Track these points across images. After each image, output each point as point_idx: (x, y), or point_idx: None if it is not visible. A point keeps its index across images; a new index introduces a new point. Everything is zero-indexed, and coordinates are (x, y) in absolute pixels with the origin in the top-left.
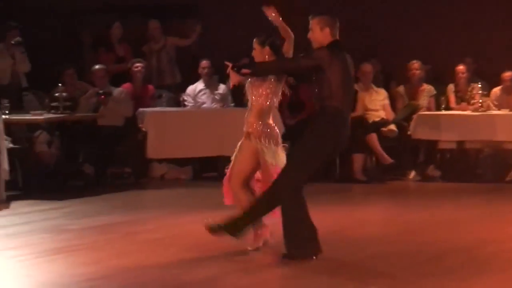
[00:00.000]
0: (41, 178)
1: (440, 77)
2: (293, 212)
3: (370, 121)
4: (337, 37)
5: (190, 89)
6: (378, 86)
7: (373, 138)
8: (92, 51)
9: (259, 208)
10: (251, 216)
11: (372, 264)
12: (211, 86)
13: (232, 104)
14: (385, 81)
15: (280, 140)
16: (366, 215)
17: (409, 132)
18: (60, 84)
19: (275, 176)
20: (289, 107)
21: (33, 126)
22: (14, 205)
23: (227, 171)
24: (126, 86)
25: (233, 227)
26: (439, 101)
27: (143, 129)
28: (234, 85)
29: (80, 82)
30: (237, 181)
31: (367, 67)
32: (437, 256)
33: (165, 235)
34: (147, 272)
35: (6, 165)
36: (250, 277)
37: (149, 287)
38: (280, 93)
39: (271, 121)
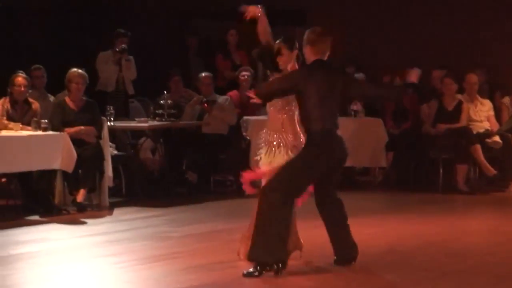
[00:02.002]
0: (145, 185)
1: None
2: (273, 221)
3: (474, 132)
4: (324, 55)
5: None
6: (483, 97)
7: (477, 149)
8: (198, 57)
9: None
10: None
11: (473, 274)
12: None
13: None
14: (490, 91)
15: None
16: (468, 226)
17: None
18: (165, 92)
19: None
20: (393, 116)
21: (137, 133)
22: (117, 211)
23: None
24: (232, 93)
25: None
26: None
27: (247, 137)
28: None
29: (186, 89)
30: None
31: (473, 78)
32: None
33: None
34: (249, 281)
35: (110, 172)
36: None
37: None
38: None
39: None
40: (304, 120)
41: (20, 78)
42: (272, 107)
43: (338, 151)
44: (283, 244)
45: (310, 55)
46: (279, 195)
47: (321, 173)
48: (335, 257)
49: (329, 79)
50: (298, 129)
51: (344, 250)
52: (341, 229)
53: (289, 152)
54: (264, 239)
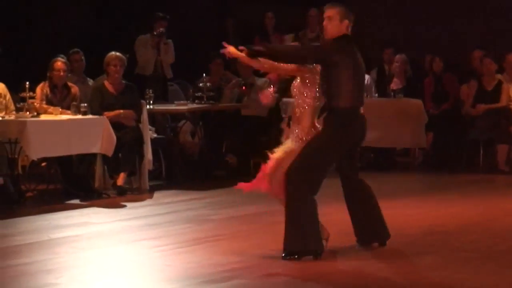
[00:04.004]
0: (184, 168)
1: None
2: (302, 208)
3: None
4: (349, 32)
5: None
6: None
7: None
8: (237, 39)
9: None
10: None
11: None
12: None
13: (376, 95)
14: None
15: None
16: (509, 206)
17: None
18: (204, 74)
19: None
20: (432, 97)
21: (177, 116)
22: (157, 195)
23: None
24: (271, 75)
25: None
26: None
27: (287, 119)
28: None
29: (225, 71)
30: None
31: None
32: None
33: None
34: (289, 263)
35: (150, 155)
36: (389, 268)
37: (291, 277)
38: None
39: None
40: (333, 96)
41: (60, 63)
42: (297, 96)
43: (360, 132)
44: (317, 231)
45: (343, 30)
46: (307, 184)
47: (342, 154)
48: (356, 237)
49: (359, 56)
50: (315, 122)
51: (368, 229)
52: (364, 208)
53: (294, 143)
54: (298, 230)
